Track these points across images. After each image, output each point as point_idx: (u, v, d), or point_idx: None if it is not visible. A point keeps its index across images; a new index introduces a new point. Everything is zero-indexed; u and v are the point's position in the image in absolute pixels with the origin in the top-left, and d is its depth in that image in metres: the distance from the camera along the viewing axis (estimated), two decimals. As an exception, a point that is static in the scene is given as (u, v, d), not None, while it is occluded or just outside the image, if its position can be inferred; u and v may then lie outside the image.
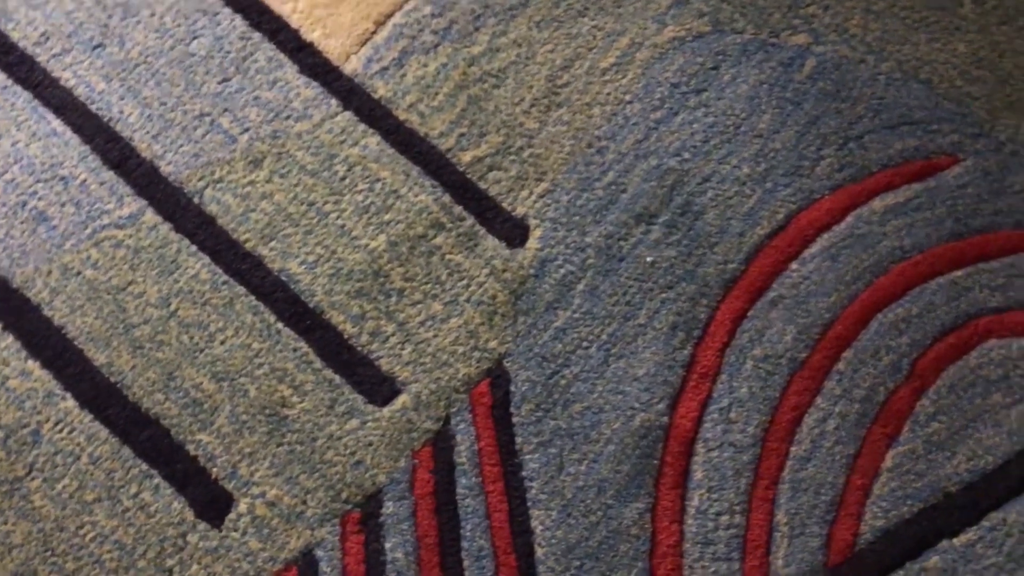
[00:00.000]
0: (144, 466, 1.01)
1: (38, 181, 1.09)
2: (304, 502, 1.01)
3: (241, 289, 1.06)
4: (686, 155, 1.10)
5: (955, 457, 1.02)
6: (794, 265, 1.07)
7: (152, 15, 1.15)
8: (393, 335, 1.05)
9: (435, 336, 1.05)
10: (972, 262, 1.07)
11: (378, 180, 1.09)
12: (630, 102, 1.12)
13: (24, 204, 1.08)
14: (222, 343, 1.04)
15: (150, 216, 1.08)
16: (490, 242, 1.08)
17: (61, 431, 1.02)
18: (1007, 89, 1.13)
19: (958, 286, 1.06)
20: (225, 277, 1.06)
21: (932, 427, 1.02)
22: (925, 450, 1.02)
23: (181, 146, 1.10)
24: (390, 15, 1.15)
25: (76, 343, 1.04)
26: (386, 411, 1.03)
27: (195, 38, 1.14)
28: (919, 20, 1.15)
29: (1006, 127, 1.11)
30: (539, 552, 0.99)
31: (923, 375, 1.04)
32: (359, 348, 1.05)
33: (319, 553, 1.00)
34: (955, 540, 1.00)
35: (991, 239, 1.08)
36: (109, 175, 1.09)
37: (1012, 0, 1.15)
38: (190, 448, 1.02)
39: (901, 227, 1.08)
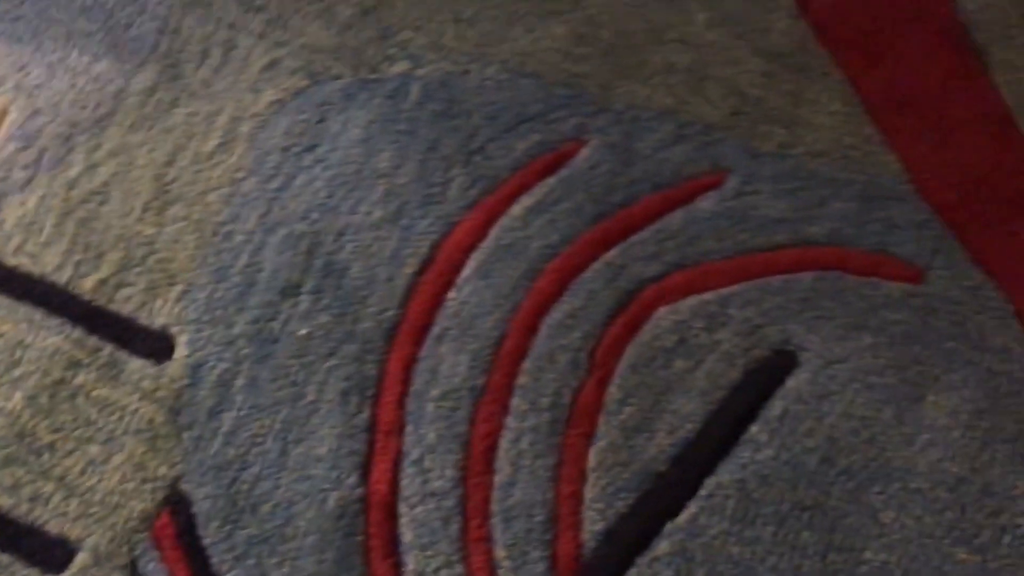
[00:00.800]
0: None
1: None
2: None
3: None
4: (315, 216, 1.06)
5: (655, 436, 0.99)
6: (451, 294, 1.04)
7: None
8: (55, 494, 0.97)
9: (100, 481, 0.98)
10: (622, 238, 1.05)
11: (-1, 337, 1.02)
12: (244, 178, 1.08)
13: None
14: None
15: None
16: (134, 364, 1.01)
17: None
18: (613, 58, 1.12)
19: (613, 266, 1.04)
20: None
21: (625, 413, 1.00)
22: (624, 438, 0.99)
23: None
24: (-27, 162, 1.08)
25: None
26: (65, 576, 0.95)
27: None
28: (511, 15, 1.13)
29: (621, 95, 1.10)
30: (263, 671, 0.93)
31: (603, 364, 1.01)
32: (21, 519, 0.97)
33: None
34: (678, 519, 0.97)
35: (634, 210, 1.06)
36: None
37: (596, -29, 1.15)
38: None
39: (544, 225, 1.06)
